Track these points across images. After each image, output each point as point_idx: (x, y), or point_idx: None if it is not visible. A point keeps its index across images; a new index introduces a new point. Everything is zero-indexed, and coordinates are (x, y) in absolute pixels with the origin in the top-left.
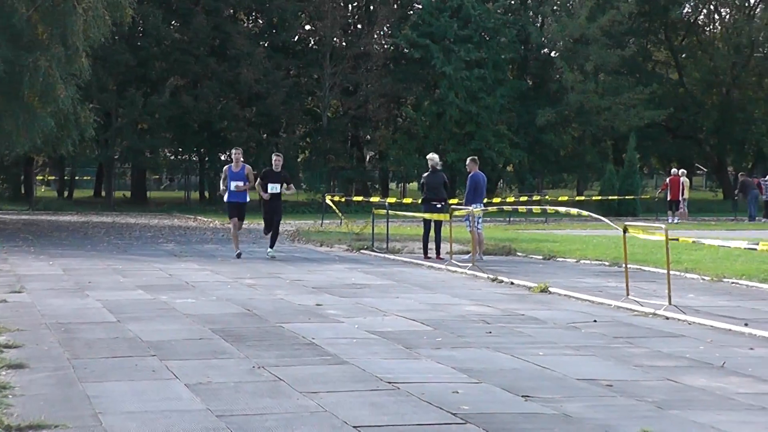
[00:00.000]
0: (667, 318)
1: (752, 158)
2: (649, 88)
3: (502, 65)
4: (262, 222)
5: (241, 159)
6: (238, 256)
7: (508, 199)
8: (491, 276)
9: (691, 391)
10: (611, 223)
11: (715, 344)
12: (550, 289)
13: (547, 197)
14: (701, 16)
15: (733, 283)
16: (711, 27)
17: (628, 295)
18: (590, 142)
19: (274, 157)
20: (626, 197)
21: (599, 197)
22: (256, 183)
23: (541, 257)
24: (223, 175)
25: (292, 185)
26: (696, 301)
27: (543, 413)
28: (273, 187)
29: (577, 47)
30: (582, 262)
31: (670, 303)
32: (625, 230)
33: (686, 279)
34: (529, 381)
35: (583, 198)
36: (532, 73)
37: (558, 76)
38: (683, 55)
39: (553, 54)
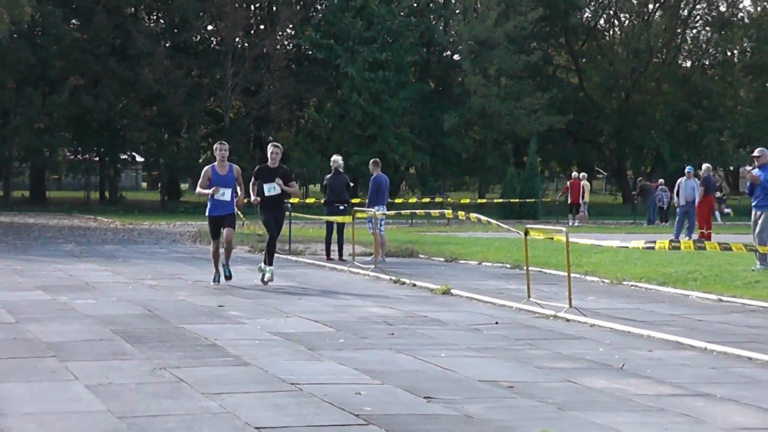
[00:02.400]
0: (568, 320)
1: (651, 162)
2: (549, 93)
3: (405, 67)
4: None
5: (227, 156)
6: (227, 278)
7: (410, 201)
8: (393, 278)
9: (590, 392)
10: (510, 227)
11: (615, 346)
12: (452, 291)
13: (449, 200)
14: (601, 21)
15: (632, 285)
16: (611, 32)
17: (529, 297)
18: (492, 146)
19: (270, 149)
20: (527, 200)
21: (501, 200)
22: (250, 186)
23: (443, 259)
24: (203, 179)
25: (293, 183)
26: (596, 304)
27: (444, 414)
28: (271, 188)
29: (481, 51)
30: (484, 264)
31: (570, 305)
32: (526, 233)
33: (587, 282)
34: (430, 382)
35: (484, 201)
36: (434, 75)
37: (461, 79)
38: (583, 60)
39: (456, 57)
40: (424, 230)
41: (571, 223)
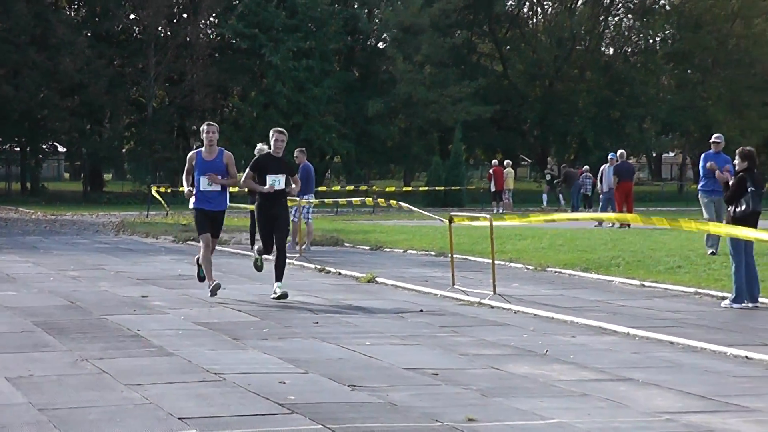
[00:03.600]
0: (492, 307)
1: (575, 149)
2: (474, 83)
3: (329, 56)
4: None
5: (217, 139)
6: (214, 290)
7: (334, 189)
8: (318, 266)
9: (514, 378)
10: (434, 215)
11: (539, 332)
12: (377, 279)
13: (374, 188)
14: (525, 9)
15: (556, 272)
16: (534, 20)
17: (454, 284)
18: (417, 134)
19: (275, 136)
20: (452, 188)
21: (426, 188)
22: (244, 177)
23: (368, 248)
24: (187, 166)
25: (297, 178)
26: (520, 290)
27: (369, 402)
28: (274, 180)
29: (406, 37)
30: (409, 252)
31: (494, 292)
32: (450, 220)
33: (511, 268)
34: (355, 370)
35: (410, 189)
36: (359, 63)
37: (385, 67)
38: (507, 48)
39: (380, 45)
40: (349, 219)
41: (495, 211)
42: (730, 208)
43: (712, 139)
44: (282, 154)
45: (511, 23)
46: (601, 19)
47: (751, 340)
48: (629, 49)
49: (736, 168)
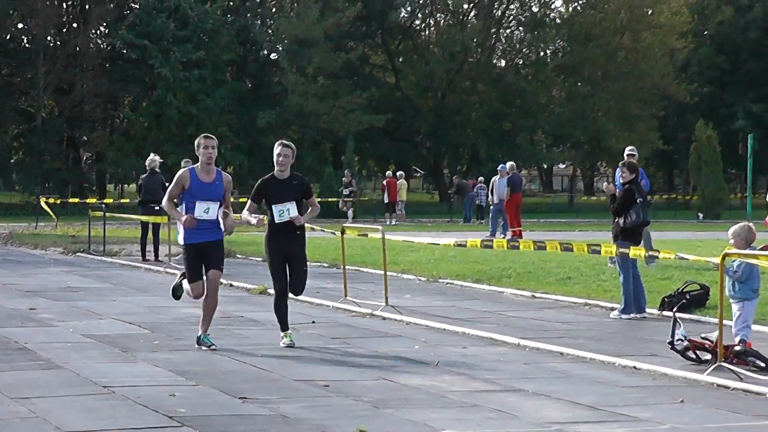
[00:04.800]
0: (384, 318)
1: (467, 161)
2: (367, 93)
3: (221, 66)
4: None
5: (215, 155)
6: (201, 342)
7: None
8: None
9: (406, 390)
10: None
11: (430, 343)
12: (269, 290)
13: None
14: (417, 21)
15: (447, 283)
16: (426, 32)
17: (346, 296)
18: (310, 145)
19: (278, 150)
20: (346, 199)
21: (319, 199)
22: (246, 208)
23: (260, 259)
24: (174, 187)
25: (314, 201)
26: (412, 302)
27: (260, 414)
28: (283, 211)
29: (300, 49)
30: None
31: (387, 303)
32: (342, 231)
33: (403, 280)
34: (246, 383)
35: None
36: (252, 74)
37: (278, 78)
38: (400, 60)
39: (273, 56)
40: (242, 230)
41: (388, 222)
42: (620, 220)
43: (627, 152)
44: (288, 173)
45: (403, 35)
46: (492, 31)
47: (639, 351)
48: (520, 62)
49: (622, 180)
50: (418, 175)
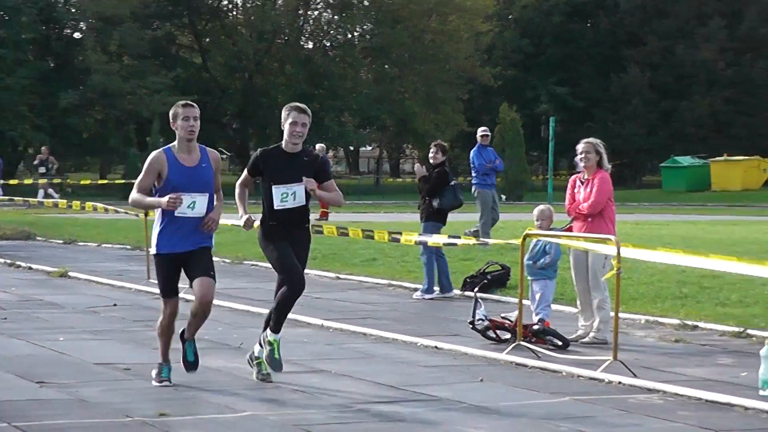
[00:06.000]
0: (188, 300)
1: (274, 142)
2: (173, 73)
3: (23, 45)
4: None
5: (198, 131)
6: (189, 365)
7: (26, 182)
8: (8, 261)
9: (208, 372)
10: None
11: (234, 325)
12: (69, 273)
13: (69, 180)
14: (225, 2)
15: (252, 265)
16: (235, 12)
17: (149, 278)
18: (114, 126)
19: (291, 117)
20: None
21: (123, 181)
22: (237, 191)
23: (62, 241)
24: (146, 177)
25: (334, 185)
26: (217, 284)
27: (58, 399)
28: (286, 195)
29: (104, 28)
30: (104, 246)
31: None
32: (146, 214)
33: None
34: (45, 367)
35: (106, 181)
36: (55, 53)
37: (81, 57)
38: (207, 40)
39: (77, 35)
40: (42, 212)
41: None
42: (433, 201)
43: (480, 133)
44: (301, 147)
45: (211, 15)
46: (300, 12)
47: (441, 331)
48: (328, 44)
49: (433, 162)
50: (225, 157)
